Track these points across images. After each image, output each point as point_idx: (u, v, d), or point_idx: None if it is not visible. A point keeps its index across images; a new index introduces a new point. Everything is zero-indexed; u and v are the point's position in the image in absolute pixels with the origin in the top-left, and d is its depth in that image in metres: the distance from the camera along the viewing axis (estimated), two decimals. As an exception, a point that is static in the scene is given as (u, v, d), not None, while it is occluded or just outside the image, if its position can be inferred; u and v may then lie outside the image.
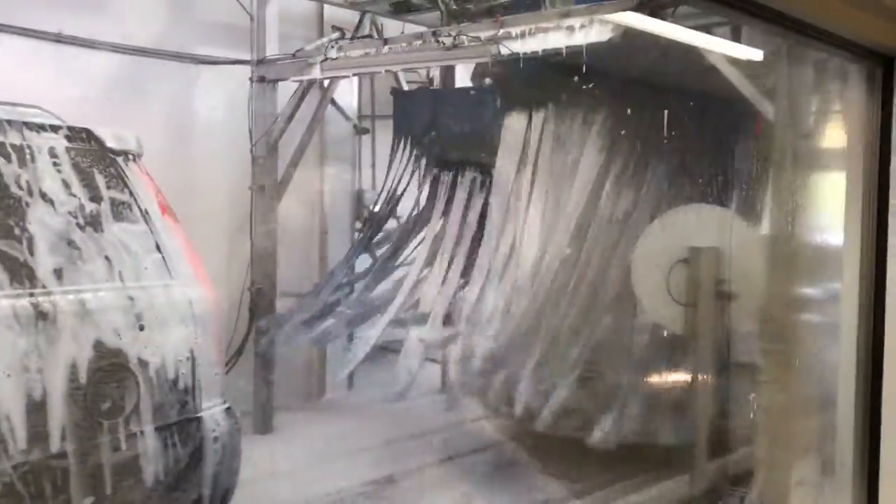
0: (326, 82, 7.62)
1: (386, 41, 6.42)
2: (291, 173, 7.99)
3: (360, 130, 8.95)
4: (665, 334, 5.82)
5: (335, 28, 7.18)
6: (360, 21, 8.06)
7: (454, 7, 7.91)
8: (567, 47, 5.36)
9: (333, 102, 7.62)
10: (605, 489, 6.17)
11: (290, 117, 7.64)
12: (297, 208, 8.60)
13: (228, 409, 4.79)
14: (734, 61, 5.07)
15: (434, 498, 6.77)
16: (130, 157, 4.68)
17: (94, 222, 4.30)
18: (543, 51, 5.48)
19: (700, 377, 4.99)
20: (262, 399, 7.88)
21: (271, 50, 7.81)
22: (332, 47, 6.56)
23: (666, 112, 5.76)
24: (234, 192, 8.25)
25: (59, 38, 6.76)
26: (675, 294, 4.55)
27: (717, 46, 4.73)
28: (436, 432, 7.71)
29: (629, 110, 5.87)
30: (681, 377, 6.07)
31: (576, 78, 5.53)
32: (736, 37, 4.61)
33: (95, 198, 4.36)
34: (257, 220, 7.85)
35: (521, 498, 6.35)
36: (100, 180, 4.41)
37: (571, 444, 6.04)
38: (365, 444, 7.52)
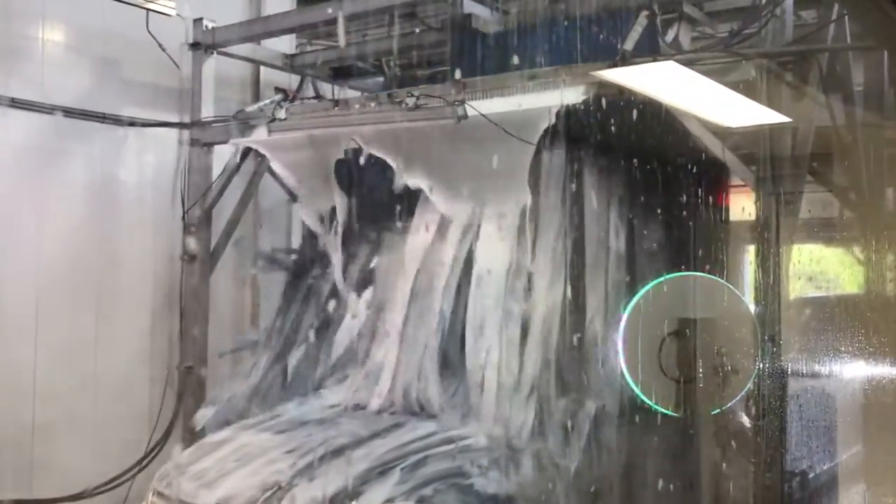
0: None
1: (336, 103, 6.05)
2: (224, 243, 7.45)
3: (295, 199, 8.47)
4: None
5: (278, 90, 6.77)
6: (301, 85, 7.70)
7: (398, 72, 7.68)
8: (536, 109, 5.11)
9: (270, 170, 7.15)
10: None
11: (227, 183, 7.15)
12: (229, 280, 8.04)
13: None
14: (712, 125, 4.91)
15: None
16: None
17: None
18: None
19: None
20: (190, 490, 7.14)
21: (206, 112, 7.35)
22: (280, 108, 6.15)
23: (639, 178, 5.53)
24: (160, 261, 7.66)
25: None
26: (668, 369, 4.24)
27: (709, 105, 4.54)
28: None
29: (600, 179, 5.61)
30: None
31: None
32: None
33: None
34: (187, 292, 7.25)
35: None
36: None
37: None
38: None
